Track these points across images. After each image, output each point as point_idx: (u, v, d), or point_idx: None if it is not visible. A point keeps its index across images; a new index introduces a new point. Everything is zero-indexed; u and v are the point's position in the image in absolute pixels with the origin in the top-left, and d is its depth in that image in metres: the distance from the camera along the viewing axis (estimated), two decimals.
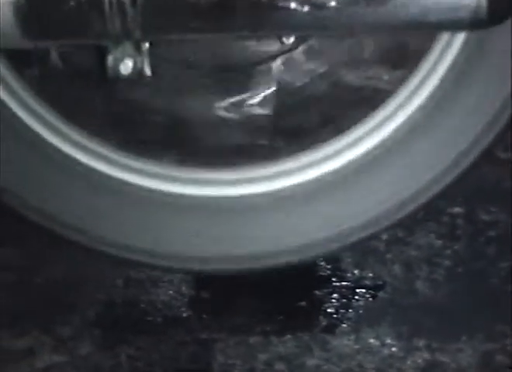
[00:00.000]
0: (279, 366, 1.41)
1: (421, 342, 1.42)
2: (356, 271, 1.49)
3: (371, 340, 1.43)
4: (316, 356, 1.42)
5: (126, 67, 0.93)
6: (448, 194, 1.44)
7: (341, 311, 1.46)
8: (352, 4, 0.89)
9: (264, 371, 1.41)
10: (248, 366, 1.41)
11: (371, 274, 1.49)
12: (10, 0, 0.86)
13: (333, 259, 1.49)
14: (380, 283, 1.48)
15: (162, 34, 0.94)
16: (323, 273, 1.49)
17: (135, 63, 0.93)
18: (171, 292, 1.47)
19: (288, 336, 1.43)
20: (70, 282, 1.48)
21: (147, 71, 0.93)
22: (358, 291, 1.48)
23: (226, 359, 1.41)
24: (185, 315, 1.46)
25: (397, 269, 1.50)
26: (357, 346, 1.43)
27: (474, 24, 0.91)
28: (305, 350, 1.42)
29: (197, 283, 1.48)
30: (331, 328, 1.44)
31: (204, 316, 1.45)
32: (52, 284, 1.48)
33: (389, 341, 1.43)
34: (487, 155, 1.29)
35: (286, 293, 1.48)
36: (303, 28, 0.94)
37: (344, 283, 1.48)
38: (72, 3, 0.86)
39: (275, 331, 1.44)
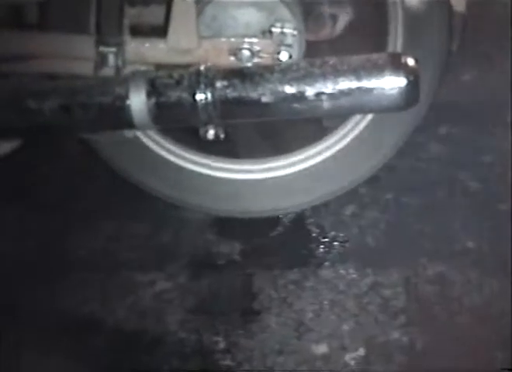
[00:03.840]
0: None
1: None
2: None
3: None
4: None
5: (210, 133, 1.66)
6: None
7: None
8: None
9: None
10: None
11: None
12: (147, 106, 1.58)
13: None
14: None
15: (233, 121, 1.68)
16: None
17: (215, 131, 1.65)
18: None
19: None
20: None
21: (222, 135, 1.66)
22: None
23: None
24: None
25: None
26: None
27: (397, 109, 1.56)
28: None
29: None
30: None
31: None
32: None
33: None
34: None
35: None
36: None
37: None
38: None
39: None
